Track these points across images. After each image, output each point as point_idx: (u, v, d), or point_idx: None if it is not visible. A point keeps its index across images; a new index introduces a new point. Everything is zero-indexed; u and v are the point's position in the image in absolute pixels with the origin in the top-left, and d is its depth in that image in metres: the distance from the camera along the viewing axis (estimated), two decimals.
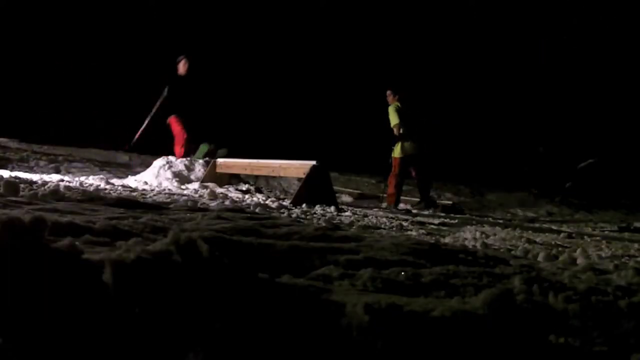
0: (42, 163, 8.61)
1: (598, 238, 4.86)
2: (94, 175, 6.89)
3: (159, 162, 7.23)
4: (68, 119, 12.63)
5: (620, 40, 13.13)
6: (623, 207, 10.97)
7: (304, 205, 5.18)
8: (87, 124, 12.81)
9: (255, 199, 5.80)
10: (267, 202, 5.36)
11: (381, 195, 7.74)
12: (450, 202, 8.08)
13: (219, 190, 6.35)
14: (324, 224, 3.35)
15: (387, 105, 7.71)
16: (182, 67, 8.02)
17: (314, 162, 5.88)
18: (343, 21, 14.83)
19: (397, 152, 7.48)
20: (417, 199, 7.95)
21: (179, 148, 7.97)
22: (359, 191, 9.16)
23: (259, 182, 8.71)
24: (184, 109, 7.91)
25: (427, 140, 7.67)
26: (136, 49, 13.72)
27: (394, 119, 7.51)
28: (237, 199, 5.44)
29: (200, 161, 7.50)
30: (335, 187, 6.40)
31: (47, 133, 11.31)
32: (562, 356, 1.14)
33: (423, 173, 7.59)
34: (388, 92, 7.69)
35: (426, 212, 6.83)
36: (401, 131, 7.45)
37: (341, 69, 14.56)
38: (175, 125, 8.02)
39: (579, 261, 2.66)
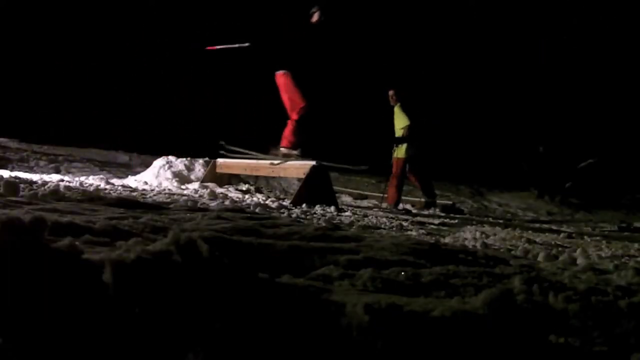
0: (42, 163, 8.60)
1: (598, 238, 4.86)
2: (94, 175, 6.88)
3: (159, 162, 7.23)
4: (68, 119, 12.62)
5: (620, 40, 13.13)
6: (623, 207, 10.98)
7: (304, 205, 5.17)
8: (87, 124, 12.80)
9: (255, 199, 5.80)
10: (267, 202, 5.36)
11: (381, 195, 7.74)
12: (450, 202, 8.08)
13: (219, 190, 6.35)
14: (324, 224, 3.35)
15: (388, 105, 7.69)
16: (315, 17, 6.98)
17: (313, 162, 5.87)
18: (343, 21, 14.82)
19: (401, 152, 7.45)
20: (417, 199, 7.95)
21: (297, 109, 7.02)
22: (358, 191, 9.16)
23: (259, 182, 8.72)
24: (300, 63, 6.97)
25: (427, 140, 7.65)
26: (136, 49, 13.71)
27: (404, 121, 7.46)
28: (237, 199, 5.44)
29: (200, 161, 7.49)
30: (335, 187, 6.39)
31: (47, 133, 11.28)
32: (562, 356, 1.14)
33: (422, 173, 7.58)
34: (391, 93, 7.65)
35: (426, 212, 6.83)
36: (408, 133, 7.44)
37: (340, 69, 14.55)
38: (289, 82, 7.00)
39: (579, 261, 2.66)
